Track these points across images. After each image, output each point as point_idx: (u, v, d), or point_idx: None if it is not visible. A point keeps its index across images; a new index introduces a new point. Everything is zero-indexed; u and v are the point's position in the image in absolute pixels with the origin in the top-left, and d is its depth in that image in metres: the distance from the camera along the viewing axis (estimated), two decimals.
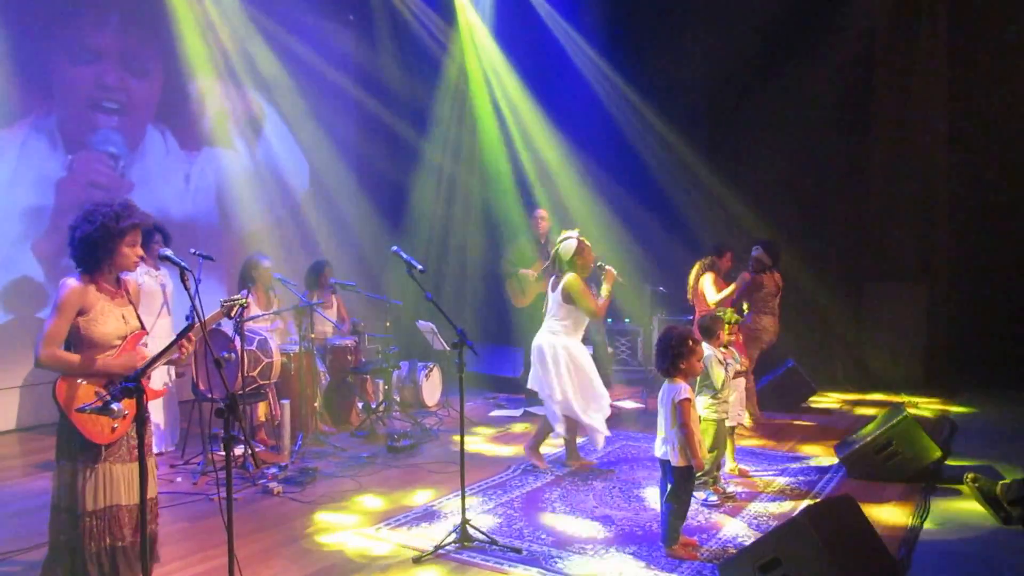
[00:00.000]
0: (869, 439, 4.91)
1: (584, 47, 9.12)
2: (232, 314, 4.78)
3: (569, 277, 4.91)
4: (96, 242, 2.92)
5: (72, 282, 2.95)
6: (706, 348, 4.57)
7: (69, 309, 2.90)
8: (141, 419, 2.55)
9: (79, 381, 2.93)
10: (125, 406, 2.73)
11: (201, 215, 7.59)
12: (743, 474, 5.03)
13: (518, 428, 6.51)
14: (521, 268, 7.16)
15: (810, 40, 8.19)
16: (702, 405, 4.56)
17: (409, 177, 9.37)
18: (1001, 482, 4.29)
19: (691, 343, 3.83)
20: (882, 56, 8.24)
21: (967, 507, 4.37)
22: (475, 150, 9.43)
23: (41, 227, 6.39)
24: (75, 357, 2.92)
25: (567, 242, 5.00)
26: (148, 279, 5.49)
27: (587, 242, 5.01)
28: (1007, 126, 7.67)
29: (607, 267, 5.04)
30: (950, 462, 5.19)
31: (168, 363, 3.24)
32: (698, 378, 4.56)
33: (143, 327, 3.15)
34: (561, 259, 4.99)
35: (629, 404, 7.41)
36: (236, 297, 4.77)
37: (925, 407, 6.98)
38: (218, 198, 7.77)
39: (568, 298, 4.92)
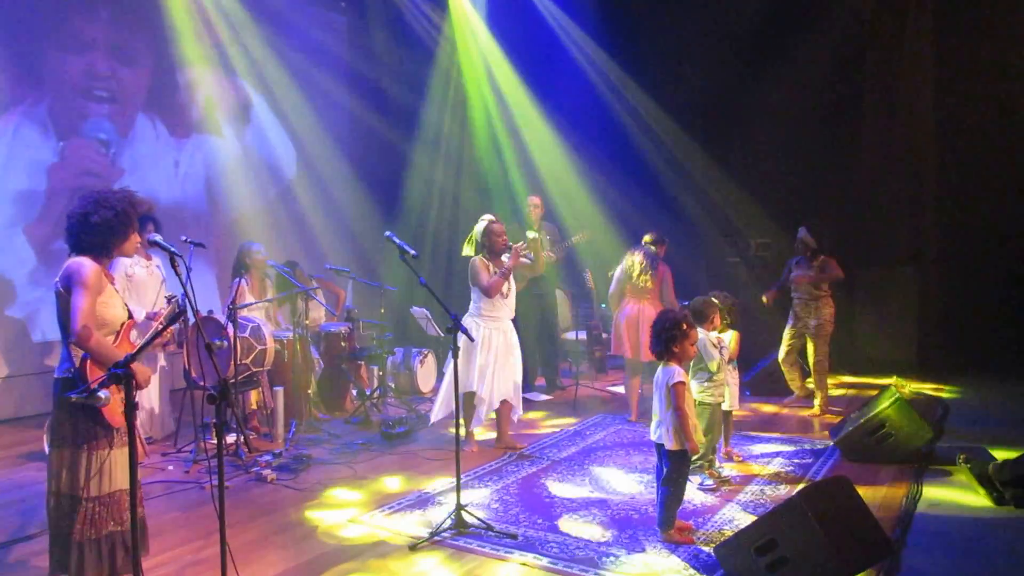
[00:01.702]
0: (862, 421, 4.93)
1: (577, 34, 9.06)
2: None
3: (473, 258, 5.19)
4: (115, 227, 2.95)
5: (89, 261, 2.93)
6: (700, 332, 4.56)
7: (95, 287, 2.89)
8: (130, 405, 2.52)
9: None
10: (112, 393, 2.70)
11: (190, 201, 7.63)
12: (736, 458, 5.04)
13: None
14: None
15: (801, 29, 8.21)
16: (697, 389, 4.56)
17: (403, 164, 9.32)
18: (993, 462, 4.32)
19: (684, 327, 3.82)
20: (871, 44, 8.27)
21: (960, 487, 4.40)
22: (469, 137, 9.38)
23: (33, 212, 6.44)
24: (109, 342, 2.89)
25: (478, 224, 5.24)
26: (139, 269, 5.45)
27: (498, 225, 5.22)
28: (995, 110, 7.68)
29: (514, 246, 5.21)
30: (942, 443, 5.21)
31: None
32: (692, 362, 4.56)
33: (131, 316, 3.13)
34: (473, 240, 5.25)
35: (624, 389, 7.41)
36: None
37: (917, 389, 7.01)
38: (207, 184, 7.79)
39: (470, 277, 5.20)
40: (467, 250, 5.31)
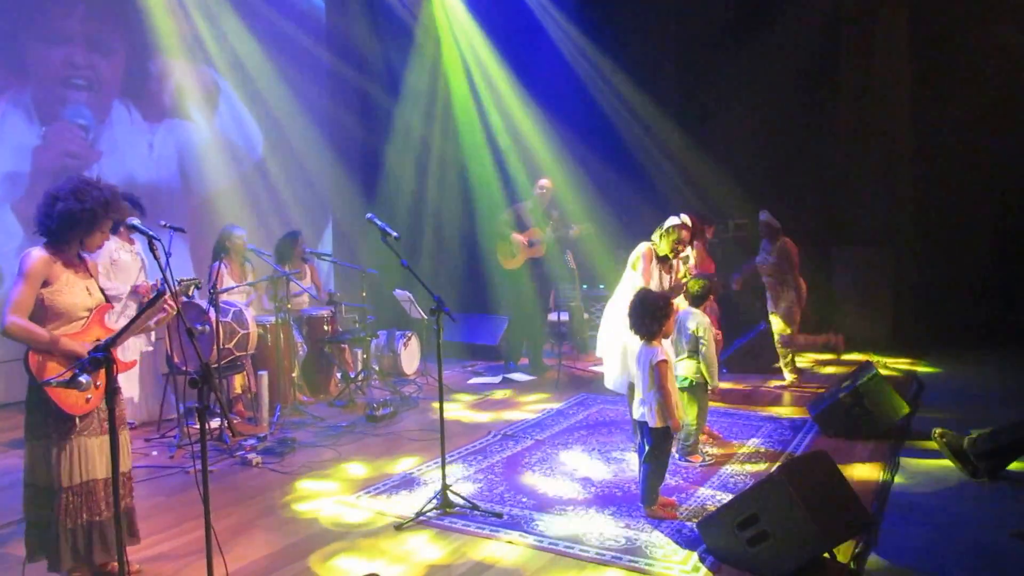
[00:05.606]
0: (840, 397, 5.00)
1: (555, 13, 9.00)
2: (190, 293, 4.76)
3: (645, 248, 4.74)
4: (79, 221, 2.91)
5: (37, 252, 2.91)
6: (698, 314, 4.62)
7: (35, 278, 2.87)
8: (111, 390, 2.50)
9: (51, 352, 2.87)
10: (94, 378, 2.68)
11: (164, 181, 7.79)
12: (715, 436, 5.10)
13: (497, 395, 6.54)
14: (516, 232, 7.08)
15: (778, 6, 8.21)
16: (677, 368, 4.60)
17: (383, 145, 9.26)
18: (967, 436, 4.40)
19: (670, 305, 3.87)
20: (847, 22, 8.30)
21: (935, 461, 4.48)
22: (449, 117, 9.33)
23: (19, 191, 6.76)
24: (43, 331, 2.86)
25: (672, 218, 4.78)
26: (124, 253, 5.41)
27: (686, 232, 4.78)
28: (969, 89, 7.74)
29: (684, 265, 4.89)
30: (918, 418, 5.31)
31: (146, 329, 3.21)
32: (673, 341, 4.60)
33: (107, 300, 3.10)
34: (662, 234, 4.80)
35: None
36: (192, 279, 4.73)
37: (893, 366, 7.13)
38: (180, 166, 7.93)
39: (631, 264, 4.79)
40: (655, 238, 4.83)
